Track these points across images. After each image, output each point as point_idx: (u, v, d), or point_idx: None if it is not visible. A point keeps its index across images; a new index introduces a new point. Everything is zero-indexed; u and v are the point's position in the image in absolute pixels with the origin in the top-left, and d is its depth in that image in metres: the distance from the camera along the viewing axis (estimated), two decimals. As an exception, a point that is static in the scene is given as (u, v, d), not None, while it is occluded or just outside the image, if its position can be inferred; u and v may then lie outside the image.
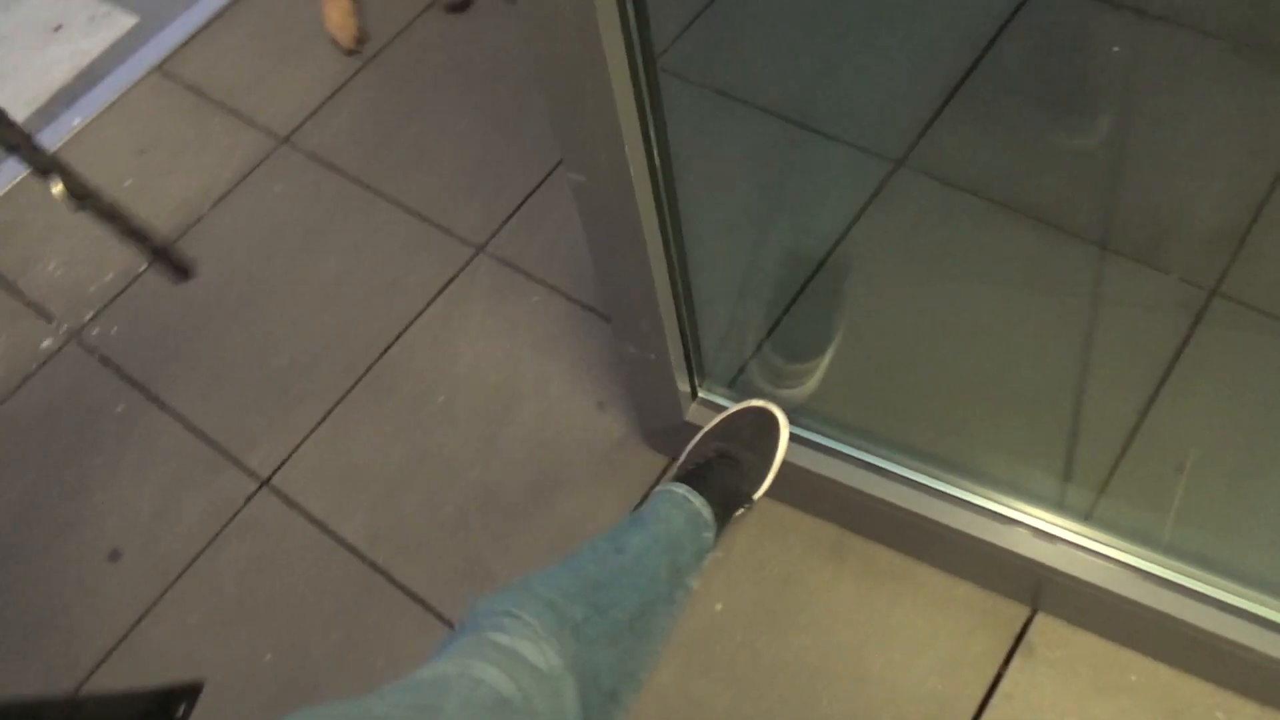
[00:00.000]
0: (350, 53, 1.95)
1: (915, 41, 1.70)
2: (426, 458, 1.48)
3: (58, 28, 2.17)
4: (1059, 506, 1.18)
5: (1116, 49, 1.63)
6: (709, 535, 1.07)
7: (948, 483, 1.19)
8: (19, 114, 2.00)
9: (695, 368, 1.25)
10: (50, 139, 1.94)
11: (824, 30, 1.74)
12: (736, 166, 1.64)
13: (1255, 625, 1.06)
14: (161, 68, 2.01)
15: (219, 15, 2.07)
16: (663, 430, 1.35)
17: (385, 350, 1.58)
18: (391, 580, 1.39)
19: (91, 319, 1.69)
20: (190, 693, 0.57)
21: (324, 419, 1.54)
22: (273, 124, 1.89)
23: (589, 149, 0.78)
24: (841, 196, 1.58)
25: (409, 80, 1.89)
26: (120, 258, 1.74)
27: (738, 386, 1.33)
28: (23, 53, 2.16)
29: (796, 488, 1.26)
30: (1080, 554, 1.14)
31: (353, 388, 1.56)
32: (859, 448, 1.22)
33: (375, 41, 1.95)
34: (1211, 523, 1.24)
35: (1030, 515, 1.17)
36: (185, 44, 2.04)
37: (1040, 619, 1.24)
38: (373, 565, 1.40)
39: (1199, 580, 1.10)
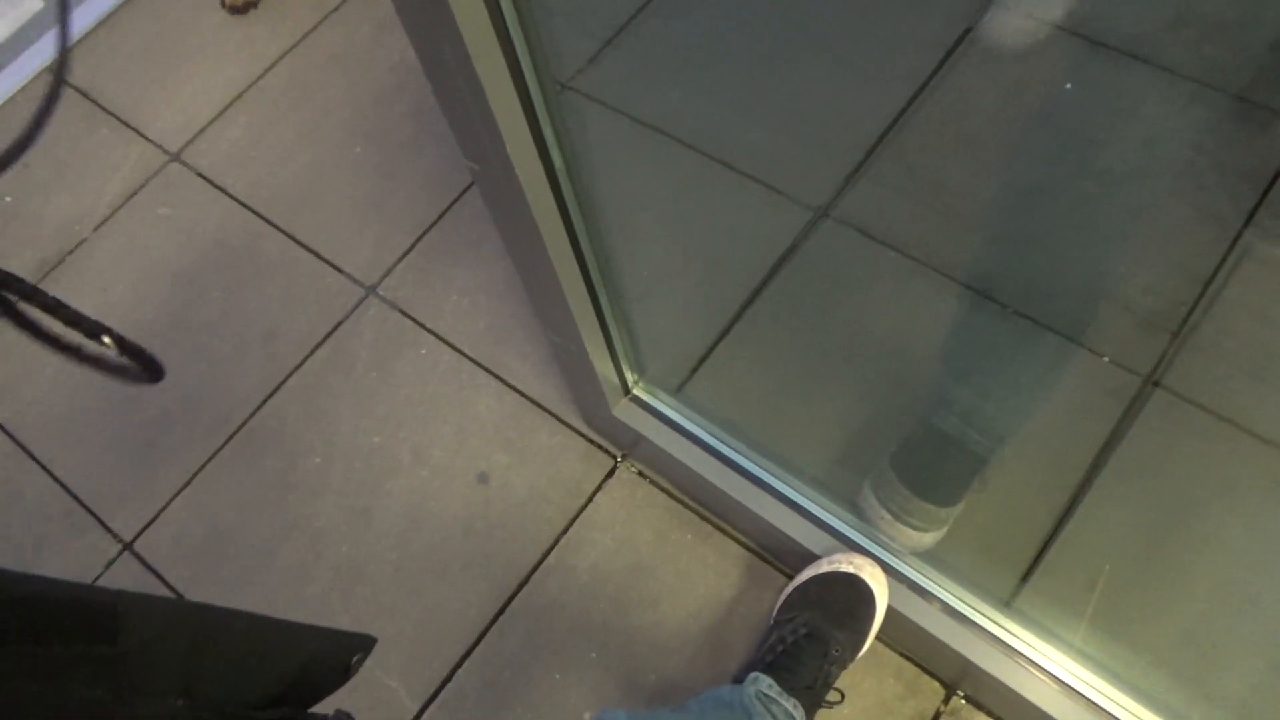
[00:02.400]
0: (235, 10, 1.82)
1: (841, 84, 1.55)
2: (296, 528, 1.37)
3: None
4: (977, 588, 1.08)
5: (1070, 86, 1.47)
6: None
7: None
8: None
9: (624, 363, 1.17)
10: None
11: (747, 67, 1.59)
12: (658, 189, 1.51)
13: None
14: (53, 67, 1.87)
15: (117, 10, 1.92)
16: (601, 424, 1.31)
17: (263, 403, 1.47)
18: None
19: (-44, 356, 1.58)
20: (366, 645, 0.55)
21: (193, 478, 1.43)
22: (163, 137, 1.75)
23: (473, 140, 0.75)
24: (763, 238, 1.46)
25: (305, 96, 1.74)
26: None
27: (684, 395, 1.24)
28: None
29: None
30: (992, 646, 1.05)
31: (225, 444, 1.45)
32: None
33: (273, 49, 1.80)
34: (1122, 637, 1.14)
35: (947, 592, 1.09)
36: (81, 40, 1.89)
37: (955, 700, 1.16)
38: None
39: (1103, 694, 1.02)
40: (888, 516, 1.09)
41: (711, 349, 1.37)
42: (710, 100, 1.58)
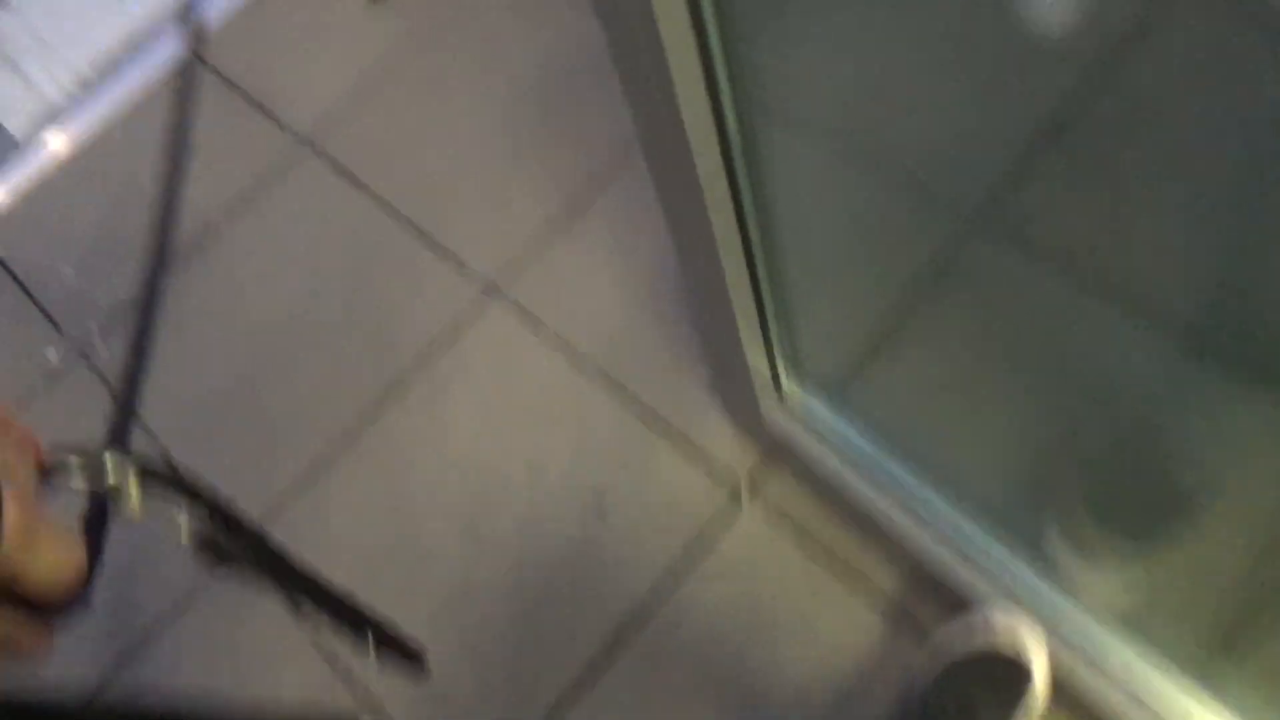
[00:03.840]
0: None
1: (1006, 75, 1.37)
2: (404, 542, 1.32)
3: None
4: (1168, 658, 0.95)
5: None
6: None
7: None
8: (67, 86, 1.91)
9: (780, 363, 1.08)
10: (79, 130, 1.84)
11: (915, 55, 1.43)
12: (825, 186, 1.39)
13: None
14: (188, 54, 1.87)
15: (259, -7, 1.91)
16: (746, 421, 1.23)
17: (382, 403, 1.42)
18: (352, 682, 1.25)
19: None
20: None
21: (309, 482, 1.40)
22: (298, 123, 1.73)
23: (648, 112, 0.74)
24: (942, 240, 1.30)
25: (439, 86, 1.68)
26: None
27: (840, 403, 1.13)
28: (75, 19, 2.05)
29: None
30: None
31: (343, 449, 1.41)
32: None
33: (409, 38, 1.75)
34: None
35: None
36: (223, 26, 1.89)
37: None
38: (330, 662, 1.27)
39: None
40: (1076, 563, 0.94)
41: (874, 354, 1.22)
42: (881, 98, 1.42)
